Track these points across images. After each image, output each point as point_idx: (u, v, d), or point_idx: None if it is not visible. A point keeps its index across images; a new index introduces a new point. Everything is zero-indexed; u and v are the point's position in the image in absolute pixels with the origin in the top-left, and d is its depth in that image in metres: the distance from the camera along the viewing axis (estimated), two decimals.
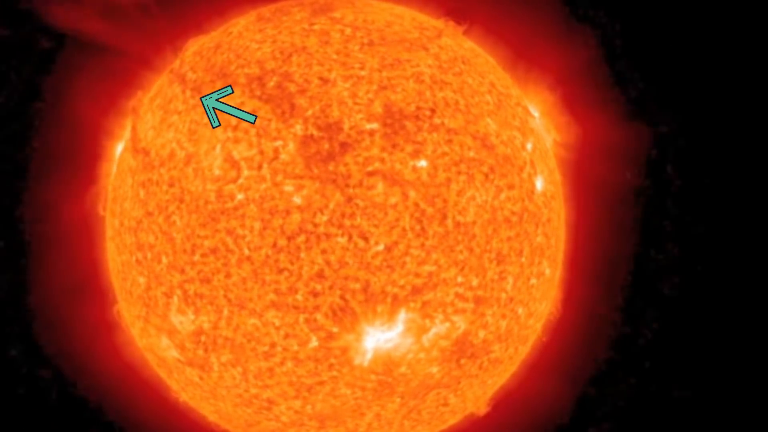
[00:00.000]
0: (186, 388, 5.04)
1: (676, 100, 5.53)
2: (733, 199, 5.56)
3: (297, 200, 4.31)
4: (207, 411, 5.19)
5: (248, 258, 4.36)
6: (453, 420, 5.27)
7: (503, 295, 4.70)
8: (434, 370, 4.68)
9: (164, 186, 4.56)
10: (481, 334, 4.70)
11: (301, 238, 4.31)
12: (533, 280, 4.88)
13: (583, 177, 5.58)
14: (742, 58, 5.39)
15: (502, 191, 4.62)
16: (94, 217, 5.39)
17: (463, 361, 4.73)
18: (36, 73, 5.51)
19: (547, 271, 5.06)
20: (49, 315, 5.65)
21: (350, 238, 4.31)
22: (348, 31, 4.73)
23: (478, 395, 5.15)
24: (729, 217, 5.60)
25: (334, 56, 4.58)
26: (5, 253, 5.58)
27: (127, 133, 5.07)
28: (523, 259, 4.75)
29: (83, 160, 5.46)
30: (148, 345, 5.04)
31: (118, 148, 5.24)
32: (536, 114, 5.29)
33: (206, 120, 4.51)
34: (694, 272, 5.77)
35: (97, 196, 5.32)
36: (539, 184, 4.92)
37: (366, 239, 4.32)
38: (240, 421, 5.01)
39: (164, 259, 4.57)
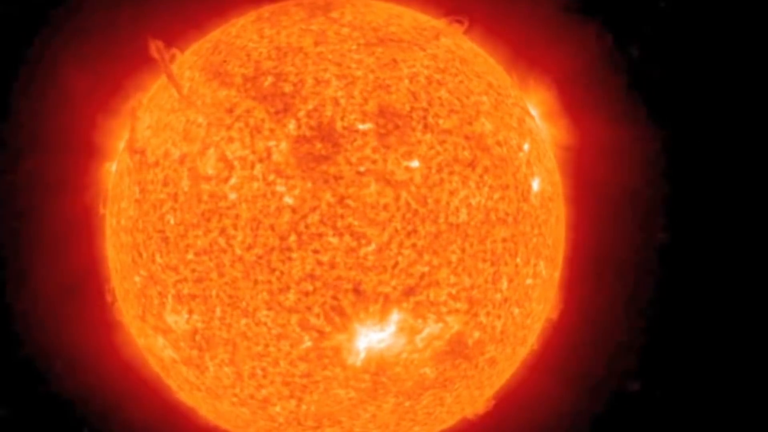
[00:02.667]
0: (183, 387, 5.05)
1: (676, 100, 5.51)
2: (733, 199, 5.54)
3: (289, 200, 4.31)
4: (206, 411, 5.20)
5: (240, 258, 4.37)
6: (451, 421, 5.27)
7: (498, 296, 4.69)
8: (428, 370, 4.67)
9: (159, 185, 4.58)
10: (476, 334, 4.70)
11: (293, 238, 4.31)
12: (529, 281, 4.87)
13: (583, 177, 5.56)
14: (742, 58, 5.38)
15: (496, 192, 4.61)
16: (93, 217, 5.40)
17: (458, 362, 4.73)
18: (35, 72, 5.52)
19: (545, 272, 5.05)
20: (48, 314, 5.67)
21: (342, 238, 4.32)
22: (345, 30, 4.73)
23: (476, 396, 5.14)
24: (729, 217, 5.59)
25: (330, 56, 4.58)
26: (2, 252, 5.60)
27: (126, 133, 5.09)
28: (519, 260, 4.74)
29: (83, 160, 5.47)
30: (146, 344, 5.05)
31: (118, 147, 5.26)
32: (536, 114, 5.27)
33: (201, 119, 4.52)
34: (693, 272, 5.75)
35: (96, 196, 5.33)
36: (536, 184, 4.91)
37: (358, 239, 4.32)
38: (238, 420, 5.02)
39: (159, 259, 4.58)
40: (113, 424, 5.74)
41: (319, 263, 4.32)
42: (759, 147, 5.40)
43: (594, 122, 5.64)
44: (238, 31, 4.93)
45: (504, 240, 4.64)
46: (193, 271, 4.46)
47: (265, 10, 5.10)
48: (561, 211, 5.25)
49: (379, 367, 4.55)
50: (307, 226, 4.30)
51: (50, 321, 5.67)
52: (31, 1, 5.44)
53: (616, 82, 5.63)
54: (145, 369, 5.38)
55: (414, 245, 4.38)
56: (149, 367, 5.33)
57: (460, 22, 5.14)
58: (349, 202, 4.31)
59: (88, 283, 5.53)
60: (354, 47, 4.65)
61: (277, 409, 4.76)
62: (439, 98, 4.59)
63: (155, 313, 4.70)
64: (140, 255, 4.69)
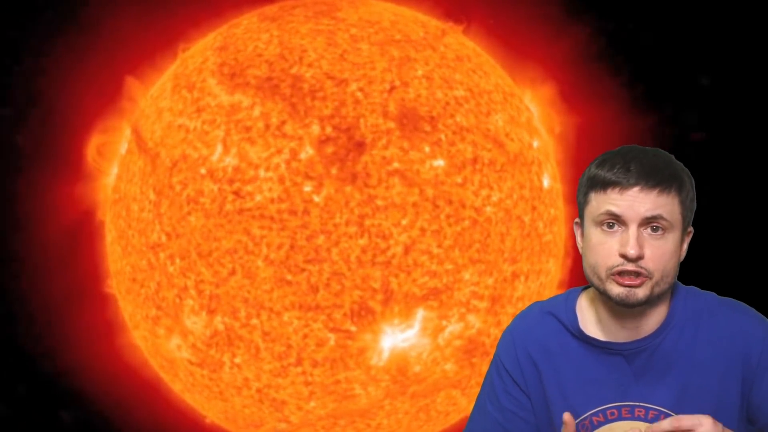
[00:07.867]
0: (192, 389, 5.02)
1: (676, 97, 5.55)
2: (732, 198, 5.59)
3: (316, 200, 4.31)
4: (213, 412, 5.17)
5: (267, 258, 4.35)
6: (457, 418, 5.29)
7: (515, 294, 4.72)
8: (447, 368, 4.69)
9: (177, 188, 4.54)
10: (494, 332, 4.72)
11: (321, 238, 4.31)
12: (542, 278, 4.91)
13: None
14: (742, 56, 5.43)
15: (514, 190, 4.65)
16: (93, 219, 5.35)
17: (474, 360, 4.75)
18: (33, 71, 5.47)
19: (553, 270, 5.09)
20: (48, 317, 5.61)
21: (369, 237, 4.32)
22: (354, 30, 4.74)
23: None
24: (728, 216, 5.64)
25: (346, 56, 4.58)
26: (3, 255, 5.53)
27: (129, 134, 5.04)
28: (534, 258, 4.78)
29: (83, 161, 5.42)
30: (154, 346, 5.01)
31: (120, 148, 5.21)
32: (536, 111, 5.31)
33: (218, 121, 4.50)
34: (693, 271, 5.79)
35: (97, 197, 5.28)
36: (546, 181, 4.95)
37: (385, 239, 4.33)
38: (248, 421, 5.00)
39: (178, 261, 4.55)
40: (114, 425, 5.69)
41: (347, 263, 4.32)
42: (761, 143, 5.45)
43: (593, 119, 5.67)
44: (244, 32, 4.90)
45: (522, 238, 4.67)
46: (216, 273, 4.44)
47: (267, 10, 5.08)
48: (562, 209, 5.29)
49: (400, 366, 4.56)
50: (335, 226, 4.30)
51: (50, 325, 5.61)
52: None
53: (616, 81, 5.67)
54: (146, 371, 5.34)
55: (440, 244, 4.39)
56: (151, 370, 5.29)
57: (458, 21, 5.16)
58: (377, 201, 4.32)
59: (89, 286, 5.48)
60: (367, 47, 4.65)
61: (293, 408, 4.75)
62: (455, 97, 4.61)
63: (172, 315, 4.67)
64: (156, 257, 4.65)
